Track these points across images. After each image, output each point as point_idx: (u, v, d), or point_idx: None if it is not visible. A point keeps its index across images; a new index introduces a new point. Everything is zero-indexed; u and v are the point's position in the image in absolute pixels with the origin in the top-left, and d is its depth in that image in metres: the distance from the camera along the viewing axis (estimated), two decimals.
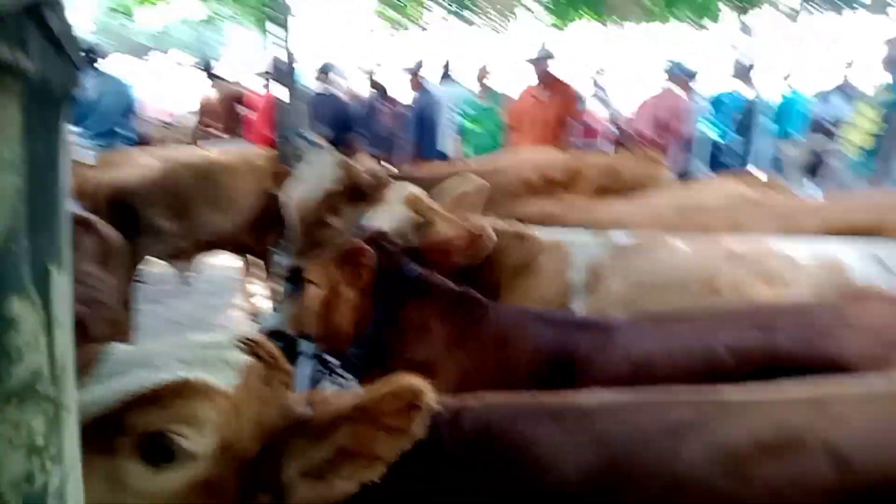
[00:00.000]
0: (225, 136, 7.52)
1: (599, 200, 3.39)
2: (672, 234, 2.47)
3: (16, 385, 0.37)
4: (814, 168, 6.81)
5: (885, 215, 2.59)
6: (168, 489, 0.89)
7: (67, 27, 0.39)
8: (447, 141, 6.89)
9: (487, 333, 1.85)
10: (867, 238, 2.27)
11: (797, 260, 2.17)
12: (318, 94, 6.62)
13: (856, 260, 2.12)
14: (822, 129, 6.87)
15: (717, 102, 7.74)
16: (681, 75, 7.02)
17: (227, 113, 7.69)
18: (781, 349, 1.62)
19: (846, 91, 7.00)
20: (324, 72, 6.74)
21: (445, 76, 7.54)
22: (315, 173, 3.27)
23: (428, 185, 3.65)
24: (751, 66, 7.22)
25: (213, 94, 7.83)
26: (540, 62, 5.86)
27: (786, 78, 7.81)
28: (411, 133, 6.75)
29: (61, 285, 0.40)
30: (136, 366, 0.94)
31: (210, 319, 5.45)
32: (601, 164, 4.00)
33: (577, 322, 1.89)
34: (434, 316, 1.89)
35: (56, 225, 0.40)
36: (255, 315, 5.01)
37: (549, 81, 5.91)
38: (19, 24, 0.35)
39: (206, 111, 7.81)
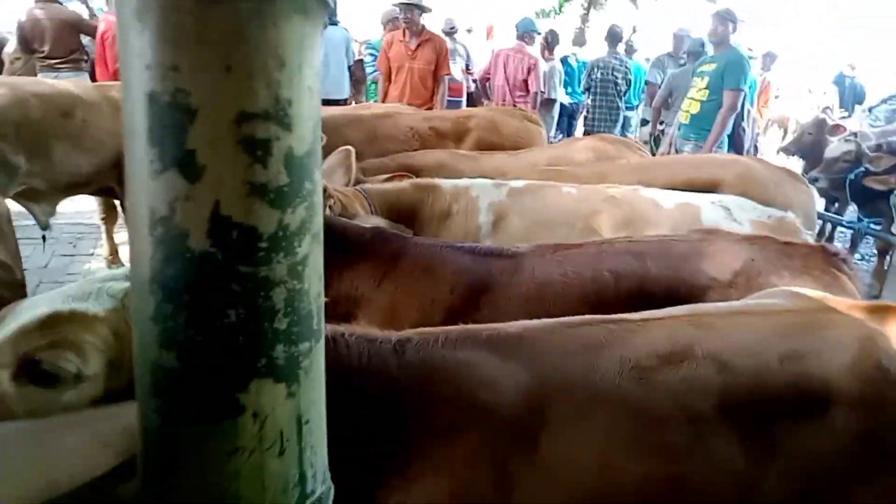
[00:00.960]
0: (65, 68, 6.80)
1: (484, 153, 3.71)
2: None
3: (316, 230, 0.52)
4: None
5: (721, 171, 3.19)
6: (68, 406, 0.94)
7: None
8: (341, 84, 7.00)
9: (410, 264, 2.02)
10: (718, 194, 2.79)
11: (661, 203, 2.63)
12: None
13: (707, 206, 2.62)
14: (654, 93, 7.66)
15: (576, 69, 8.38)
16: (528, 33, 7.53)
17: (64, 41, 6.90)
18: (650, 272, 2.01)
19: (674, 58, 7.83)
20: None
21: (332, 21, 7.39)
22: None
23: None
24: (619, 34, 7.86)
25: (41, 16, 6.91)
26: (410, 9, 5.97)
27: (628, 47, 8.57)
28: None
29: None
30: (25, 310, 1.01)
31: (68, 269, 5.06)
32: (485, 119, 4.32)
33: (489, 250, 2.13)
34: (356, 255, 2.00)
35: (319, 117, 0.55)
36: (117, 265, 4.75)
37: (418, 31, 6.06)
38: None
39: (34, 37, 6.90)
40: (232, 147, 0.47)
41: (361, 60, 8.33)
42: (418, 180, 2.73)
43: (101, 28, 6.81)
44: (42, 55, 6.77)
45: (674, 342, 1.39)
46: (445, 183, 2.69)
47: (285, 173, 0.49)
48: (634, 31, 8.53)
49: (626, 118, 9.63)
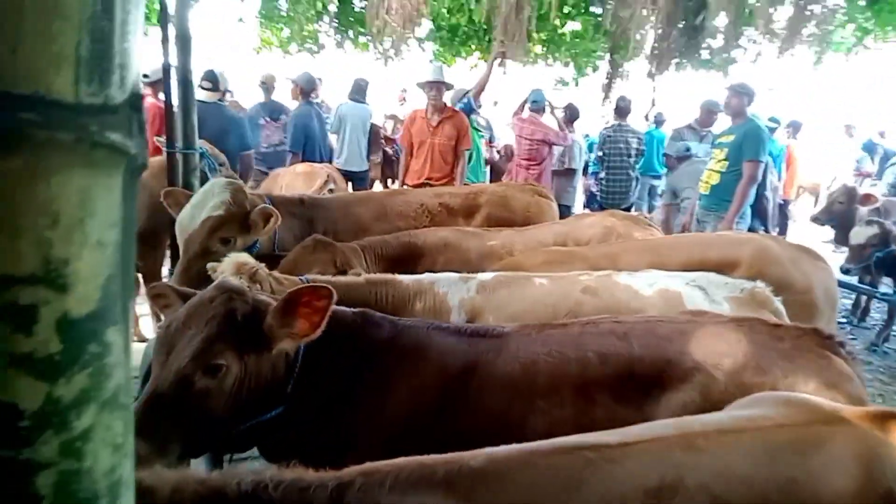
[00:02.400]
0: None
1: (490, 230, 3.67)
2: (554, 264, 2.80)
3: (108, 396, 0.47)
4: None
5: (737, 250, 3.08)
6: None
7: (143, 114, 0.50)
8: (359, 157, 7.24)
9: (399, 348, 1.97)
10: (692, 273, 2.66)
11: (640, 291, 2.53)
12: (203, 103, 6.42)
13: (686, 290, 2.51)
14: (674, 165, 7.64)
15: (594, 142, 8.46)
16: (538, 106, 7.70)
17: None
18: (635, 353, 1.92)
19: (696, 130, 7.82)
20: (208, 80, 6.44)
21: (355, 96, 7.68)
22: (204, 198, 3.16)
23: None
24: (628, 106, 7.96)
25: None
26: (434, 86, 6.12)
27: (646, 118, 8.64)
28: (290, 143, 6.87)
29: (132, 314, 0.50)
30: None
31: None
32: (495, 194, 4.31)
33: (474, 331, 2.08)
34: (344, 342, 1.95)
35: (131, 268, 0.50)
36: (139, 340, 4.76)
37: (440, 107, 6.19)
38: (126, 113, 0.46)
39: None
40: None
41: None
42: (373, 276, 2.62)
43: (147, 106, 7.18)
44: None
45: (662, 474, 1.25)
46: (405, 278, 2.59)
47: (57, 340, 0.44)
48: (653, 104, 8.60)
49: (652, 186, 9.62)
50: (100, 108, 0.44)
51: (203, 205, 3.12)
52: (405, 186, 6.31)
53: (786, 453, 1.30)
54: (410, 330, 2.04)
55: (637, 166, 8.37)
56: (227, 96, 7.14)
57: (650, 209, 9.89)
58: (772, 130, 8.79)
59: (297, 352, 1.86)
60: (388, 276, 2.60)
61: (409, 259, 3.14)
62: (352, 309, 2.08)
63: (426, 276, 2.61)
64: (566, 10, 8.02)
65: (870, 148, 10.39)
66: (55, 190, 0.43)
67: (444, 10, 7.74)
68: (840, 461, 1.28)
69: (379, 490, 1.16)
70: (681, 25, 7.11)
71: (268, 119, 7.27)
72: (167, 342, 1.69)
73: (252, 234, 3.18)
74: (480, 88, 7.07)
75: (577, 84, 9.60)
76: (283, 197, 3.90)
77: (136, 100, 0.46)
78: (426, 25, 8.30)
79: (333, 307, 1.88)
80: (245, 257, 2.42)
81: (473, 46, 8.59)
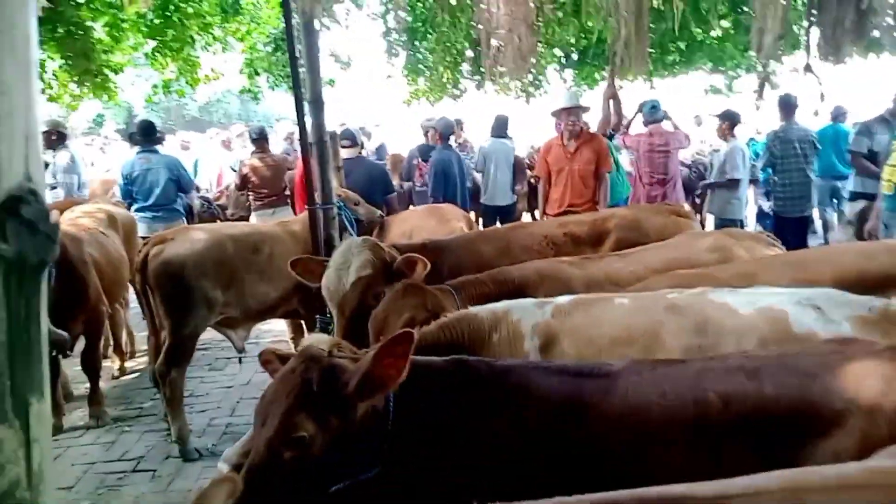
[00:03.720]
0: (273, 204, 7.94)
1: (591, 257, 3.47)
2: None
3: (3, 491, 0.50)
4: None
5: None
6: None
7: (43, 211, 0.53)
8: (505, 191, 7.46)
9: (493, 395, 1.88)
10: (806, 289, 2.29)
11: (737, 309, 2.21)
12: (347, 159, 6.85)
13: (794, 308, 2.16)
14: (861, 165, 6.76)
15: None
16: (656, 115, 7.25)
17: (274, 181, 8.10)
18: (767, 393, 1.67)
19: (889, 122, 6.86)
20: (347, 138, 6.69)
21: (498, 133, 7.86)
22: (345, 259, 3.29)
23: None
24: (794, 102, 7.26)
25: (257, 163, 8.16)
26: (570, 112, 6.02)
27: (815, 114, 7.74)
28: (430, 188, 7.06)
29: (40, 411, 0.53)
30: None
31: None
32: (625, 218, 4.11)
33: (579, 370, 1.94)
34: (435, 397, 1.90)
35: (35, 365, 0.53)
36: None
37: (576, 133, 6.07)
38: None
39: (252, 180, 8.20)
40: None
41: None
42: (443, 319, 2.50)
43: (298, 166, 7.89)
44: (261, 195, 7.92)
45: None
46: (480, 310, 2.50)
47: None
48: (823, 98, 7.68)
49: (834, 188, 8.58)
50: None
51: (346, 265, 3.27)
52: (546, 216, 6.23)
53: None
54: (509, 373, 1.95)
55: (814, 168, 7.50)
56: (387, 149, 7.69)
57: (838, 215, 8.81)
58: None
59: (388, 408, 1.83)
60: (462, 312, 2.53)
61: (507, 295, 3.03)
62: (444, 359, 2.04)
63: (501, 305, 2.51)
64: (707, 15, 7.54)
65: None
66: None
67: (569, 38, 7.67)
68: None
69: None
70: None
71: (420, 160, 7.72)
72: (262, 412, 1.79)
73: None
74: (606, 121, 6.92)
75: (730, 89, 8.93)
76: (406, 245, 4.00)
77: (11, 202, 0.48)
78: (557, 53, 8.28)
79: (423, 358, 1.88)
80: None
81: (603, 68, 8.43)
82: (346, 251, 3.35)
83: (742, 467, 1.53)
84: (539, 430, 1.81)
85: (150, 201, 6.80)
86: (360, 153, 6.47)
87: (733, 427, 1.66)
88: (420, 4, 8.05)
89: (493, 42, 4.80)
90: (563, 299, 2.50)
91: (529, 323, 2.39)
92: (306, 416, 1.73)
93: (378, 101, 13.43)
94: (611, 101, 7.50)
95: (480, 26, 5.15)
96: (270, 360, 2.11)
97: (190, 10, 8.87)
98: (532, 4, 4.93)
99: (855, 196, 7.15)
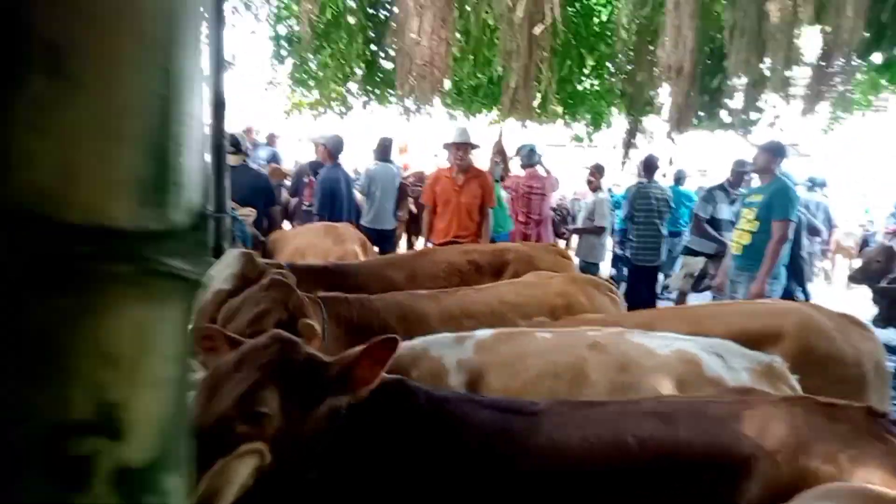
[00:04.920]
0: None
1: (446, 290, 3.53)
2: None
3: None
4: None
5: (780, 321, 2.95)
6: None
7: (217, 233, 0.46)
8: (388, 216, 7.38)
9: (431, 422, 1.86)
10: (706, 339, 2.47)
11: (654, 350, 2.35)
12: (232, 167, 6.53)
13: (703, 353, 2.34)
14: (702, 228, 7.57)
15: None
16: (534, 159, 7.84)
17: None
18: (681, 437, 1.76)
19: (727, 192, 7.75)
20: (231, 144, 6.56)
21: (382, 157, 7.83)
22: (220, 269, 3.16)
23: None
24: (655, 163, 8.00)
25: None
26: (460, 147, 6.19)
27: (663, 175, 8.63)
28: (316, 206, 6.95)
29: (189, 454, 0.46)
30: None
31: None
32: (521, 253, 4.30)
33: (507, 406, 1.95)
34: (379, 413, 1.83)
35: (186, 403, 0.46)
36: None
37: (465, 167, 6.24)
38: (189, 236, 0.42)
39: None
40: (38, 473, 0.38)
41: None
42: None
43: None
44: None
45: None
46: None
47: (114, 494, 0.39)
48: (671, 162, 8.62)
49: (674, 243, 9.52)
50: (160, 233, 0.40)
51: (219, 276, 3.15)
52: (429, 244, 6.33)
53: None
54: (446, 402, 1.93)
55: (664, 224, 8.30)
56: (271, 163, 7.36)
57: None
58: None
59: (339, 416, 1.75)
60: None
61: (367, 324, 2.98)
62: (390, 376, 2.00)
63: (418, 342, 2.46)
64: (586, 71, 8.18)
65: None
66: (111, 327, 0.39)
67: (465, 72, 7.96)
68: None
69: None
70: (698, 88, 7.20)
71: (312, 177, 7.51)
72: (213, 384, 1.61)
73: None
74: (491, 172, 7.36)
75: (590, 139, 9.74)
76: (306, 266, 3.87)
77: (199, 220, 0.42)
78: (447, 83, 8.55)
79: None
80: None
81: (492, 105, 8.85)
82: (224, 262, 3.22)
83: None
84: (470, 459, 1.79)
85: None
86: (244, 161, 6.17)
87: (648, 469, 1.73)
88: (316, 18, 7.93)
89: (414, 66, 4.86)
90: (483, 334, 2.49)
91: (453, 359, 2.36)
92: (275, 393, 1.61)
93: (257, 107, 12.92)
94: (499, 155, 7.90)
95: (394, 47, 5.18)
96: (214, 335, 1.94)
97: None
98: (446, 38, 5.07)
99: (689, 251, 7.97)
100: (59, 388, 0.38)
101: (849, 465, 1.66)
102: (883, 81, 7.07)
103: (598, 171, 8.69)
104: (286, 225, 7.97)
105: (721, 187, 7.64)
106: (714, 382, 2.22)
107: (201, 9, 0.46)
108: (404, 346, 2.43)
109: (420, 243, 8.67)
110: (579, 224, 8.64)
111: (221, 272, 3.14)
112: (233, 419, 1.56)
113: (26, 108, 0.35)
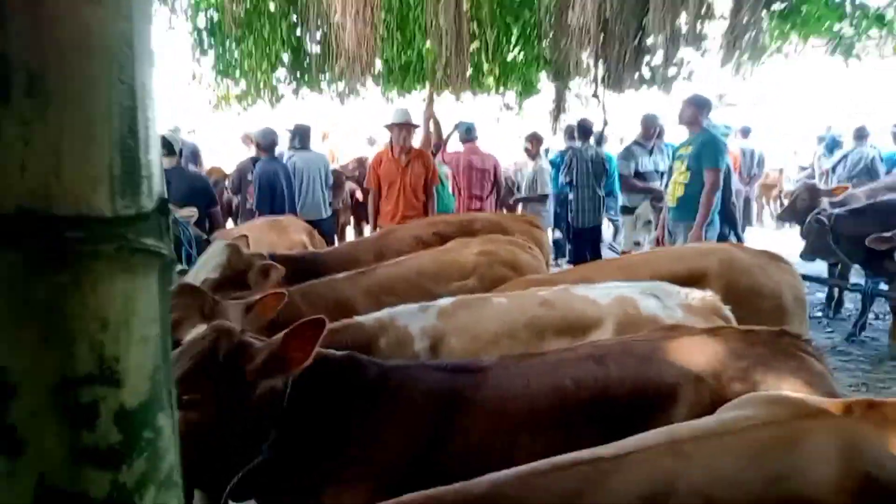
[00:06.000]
0: None
1: (365, 269, 3.53)
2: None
3: (163, 477, 0.51)
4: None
5: (704, 261, 3.18)
6: None
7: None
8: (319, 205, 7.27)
9: (380, 390, 1.99)
10: (641, 283, 2.72)
11: (597, 300, 2.58)
12: (167, 170, 6.42)
13: (640, 296, 2.57)
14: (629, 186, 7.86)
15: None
16: (473, 135, 7.99)
17: None
18: (612, 376, 1.96)
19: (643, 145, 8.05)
20: (163, 146, 6.39)
21: (303, 145, 7.70)
22: (206, 260, 3.24)
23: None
24: (590, 127, 8.20)
25: None
26: (402, 127, 6.23)
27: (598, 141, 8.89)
28: (255, 201, 6.86)
29: (175, 399, 0.55)
30: None
31: None
32: (490, 222, 4.40)
33: (456, 366, 2.11)
34: (328, 388, 1.97)
35: (169, 356, 0.55)
36: None
37: (408, 148, 6.29)
38: (156, 218, 0.52)
39: None
40: (54, 417, 0.47)
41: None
42: (331, 324, 2.63)
43: None
44: None
45: (654, 481, 1.32)
46: (364, 319, 2.59)
47: (116, 431, 0.49)
48: (606, 124, 8.86)
49: (608, 206, 9.81)
50: (134, 217, 0.49)
51: (205, 267, 3.21)
52: (377, 228, 6.37)
53: (770, 450, 1.37)
54: (395, 370, 2.07)
55: (602, 186, 8.55)
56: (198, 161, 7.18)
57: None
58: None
59: (285, 392, 1.86)
60: (347, 321, 2.58)
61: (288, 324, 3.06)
62: (339, 352, 2.11)
63: (385, 313, 2.61)
64: (513, 39, 8.30)
65: (831, 145, 10.78)
66: (102, 296, 0.48)
67: (394, 50, 7.96)
68: (821, 452, 1.35)
69: None
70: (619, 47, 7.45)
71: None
72: None
73: (255, 290, 3.17)
74: (428, 140, 7.35)
75: (520, 108, 9.91)
76: (283, 254, 3.90)
77: (163, 204, 0.51)
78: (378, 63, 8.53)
79: (321, 349, 1.92)
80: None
81: (424, 81, 8.86)
82: (211, 252, 3.27)
83: (594, 443, 1.81)
84: (420, 423, 1.94)
85: None
86: (178, 162, 6.06)
87: (585, 407, 1.91)
88: (234, 7, 7.76)
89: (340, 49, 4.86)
90: (444, 302, 2.66)
91: (417, 326, 2.52)
92: (203, 381, 1.74)
93: (183, 103, 12.51)
94: (430, 122, 7.91)
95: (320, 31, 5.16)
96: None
97: None
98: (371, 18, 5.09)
99: (624, 210, 8.28)
100: (66, 347, 0.47)
101: (763, 381, 1.86)
102: (785, 28, 7.44)
103: (535, 139, 8.89)
104: (230, 224, 7.84)
105: (636, 143, 7.89)
106: (651, 321, 2.43)
107: (151, 29, 0.52)
108: (371, 317, 2.59)
109: (367, 230, 8.68)
110: (523, 193, 8.85)
111: (208, 262, 3.20)
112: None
113: (12, 124, 0.44)
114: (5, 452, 0.46)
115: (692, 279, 3.01)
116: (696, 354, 1.99)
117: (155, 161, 0.50)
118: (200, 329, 1.91)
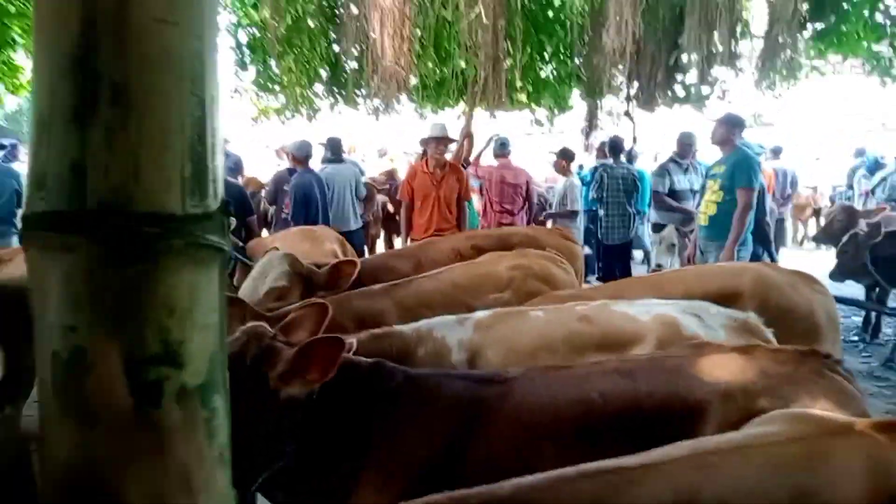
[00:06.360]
0: None
1: (400, 281, 3.52)
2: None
3: (216, 455, 0.56)
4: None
5: (737, 281, 3.16)
6: None
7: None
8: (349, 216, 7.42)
9: (405, 398, 2.00)
10: (684, 301, 2.68)
11: (637, 316, 2.54)
12: None
13: (681, 315, 2.53)
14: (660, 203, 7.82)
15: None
16: (507, 150, 8.02)
17: None
18: (641, 390, 1.94)
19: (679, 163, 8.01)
20: None
21: (333, 156, 7.83)
22: (264, 270, 3.30)
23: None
24: (621, 144, 8.20)
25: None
26: (437, 141, 6.32)
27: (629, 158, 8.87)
28: (291, 213, 6.94)
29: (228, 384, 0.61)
30: None
31: None
32: (527, 236, 4.37)
33: (481, 377, 2.12)
34: (354, 394, 1.99)
35: (225, 343, 0.60)
36: None
37: (443, 162, 6.37)
38: (219, 217, 0.57)
39: None
40: (124, 391, 0.52)
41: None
42: (374, 330, 2.60)
43: None
44: None
45: (678, 491, 1.32)
46: (404, 328, 2.60)
47: (177, 407, 0.54)
48: (635, 141, 8.85)
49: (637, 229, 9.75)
50: (201, 216, 0.55)
51: (263, 276, 3.27)
52: (409, 241, 6.43)
53: (795, 465, 1.37)
54: (420, 378, 2.08)
55: (633, 204, 8.52)
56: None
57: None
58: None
59: (311, 399, 1.90)
60: (389, 328, 2.61)
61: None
62: (367, 359, 2.16)
63: (424, 324, 2.62)
64: (546, 57, 8.39)
65: (872, 167, 10.61)
66: (171, 286, 0.54)
67: (429, 67, 8.10)
68: (847, 469, 1.34)
69: None
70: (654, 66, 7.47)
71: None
72: None
73: (332, 291, 3.26)
74: (459, 156, 7.43)
75: (552, 124, 9.96)
76: (321, 264, 3.97)
77: (225, 205, 0.57)
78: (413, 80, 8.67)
79: (349, 357, 1.97)
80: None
81: (459, 98, 8.98)
82: (265, 263, 3.34)
83: (620, 456, 1.82)
84: (444, 431, 1.93)
85: None
86: None
87: (612, 421, 1.89)
88: (277, 23, 8.00)
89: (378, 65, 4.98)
90: (481, 314, 2.66)
91: (455, 338, 2.52)
92: (230, 382, 1.78)
93: (224, 117, 12.85)
94: (465, 140, 8.02)
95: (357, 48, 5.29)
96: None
97: (12, 9, 7.97)
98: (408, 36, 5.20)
99: (656, 228, 8.22)
100: (136, 331, 0.53)
101: (792, 399, 1.85)
102: (822, 47, 7.37)
103: (565, 156, 8.91)
104: (265, 234, 7.99)
105: (672, 160, 7.85)
106: (692, 340, 2.34)
107: (217, 47, 0.58)
108: (411, 327, 2.62)
109: (399, 243, 8.75)
110: (554, 209, 8.86)
111: (267, 272, 3.27)
112: None
113: (98, 131, 0.50)
114: (80, 421, 0.52)
115: (725, 298, 2.98)
116: (725, 371, 1.98)
117: (219, 166, 0.56)
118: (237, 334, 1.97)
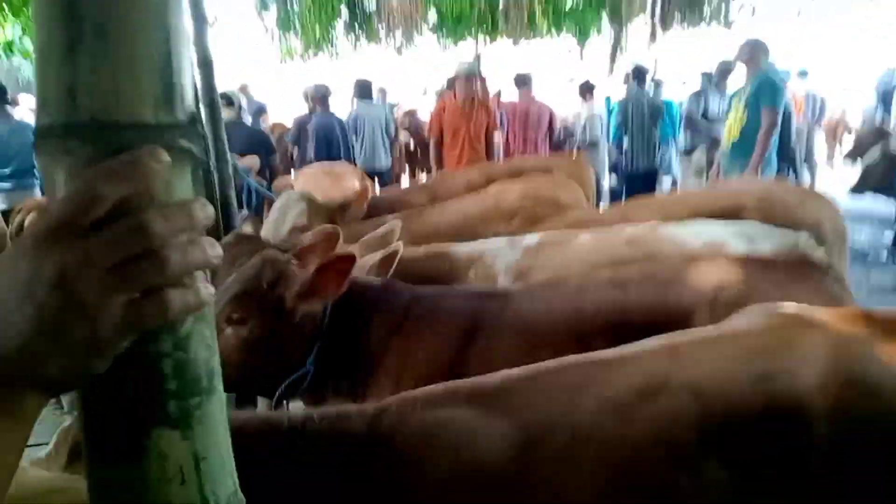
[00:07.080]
0: None
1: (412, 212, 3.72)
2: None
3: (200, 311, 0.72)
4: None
5: (742, 199, 3.19)
6: None
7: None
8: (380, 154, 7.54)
9: (417, 312, 2.18)
10: (732, 220, 2.71)
11: (686, 241, 2.58)
12: (228, 123, 6.68)
13: (731, 237, 2.56)
14: (694, 126, 7.69)
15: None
16: (523, 83, 7.91)
17: None
18: (631, 300, 2.06)
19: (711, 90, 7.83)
20: (227, 100, 6.68)
21: (363, 96, 7.88)
22: (283, 212, 3.46)
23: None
24: (645, 72, 8.05)
25: None
26: (469, 79, 6.32)
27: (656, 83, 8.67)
28: (313, 154, 7.10)
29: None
30: None
31: None
32: (537, 164, 4.48)
33: (482, 292, 2.27)
34: (371, 309, 2.18)
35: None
36: None
37: (471, 96, 6.37)
38: (187, 126, 0.70)
39: None
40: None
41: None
42: (431, 247, 2.77)
43: None
44: None
45: (650, 375, 1.43)
46: (459, 248, 2.73)
47: None
48: (656, 63, 8.65)
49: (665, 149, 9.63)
50: (171, 125, 0.68)
51: (283, 217, 3.43)
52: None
53: (761, 353, 1.46)
54: (426, 296, 2.24)
55: (659, 131, 8.41)
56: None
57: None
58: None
59: (325, 316, 2.09)
60: (444, 249, 2.75)
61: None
62: (378, 279, 2.30)
63: (476, 245, 2.75)
64: None
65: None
66: None
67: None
68: (809, 355, 1.42)
69: (411, 410, 1.38)
70: None
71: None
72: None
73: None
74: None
75: (580, 55, 9.74)
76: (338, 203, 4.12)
77: (193, 116, 0.70)
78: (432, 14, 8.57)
79: (360, 277, 2.12)
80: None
81: (477, 30, 8.83)
82: (282, 205, 3.51)
83: None
84: (445, 344, 2.09)
85: (10, 168, 6.25)
86: (238, 116, 6.38)
87: (603, 329, 1.99)
88: None
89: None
90: (530, 239, 2.75)
91: (503, 263, 2.65)
92: (249, 302, 1.99)
93: (249, 62, 12.92)
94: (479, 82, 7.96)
95: None
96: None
97: None
98: None
99: (687, 152, 8.12)
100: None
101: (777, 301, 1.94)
102: None
103: (588, 88, 8.80)
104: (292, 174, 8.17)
105: (710, 85, 7.72)
106: None
107: None
108: (464, 248, 2.75)
109: (424, 178, 8.83)
110: (577, 139, 8.81)
111: (289, 210, 3.42)
112: (221, 322, 1.96)
113: (85, 61, 0.63)
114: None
115: (729, 215, 3.02)
116: (714, 280, 2.05)
117: (186, 84, 0.68)
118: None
